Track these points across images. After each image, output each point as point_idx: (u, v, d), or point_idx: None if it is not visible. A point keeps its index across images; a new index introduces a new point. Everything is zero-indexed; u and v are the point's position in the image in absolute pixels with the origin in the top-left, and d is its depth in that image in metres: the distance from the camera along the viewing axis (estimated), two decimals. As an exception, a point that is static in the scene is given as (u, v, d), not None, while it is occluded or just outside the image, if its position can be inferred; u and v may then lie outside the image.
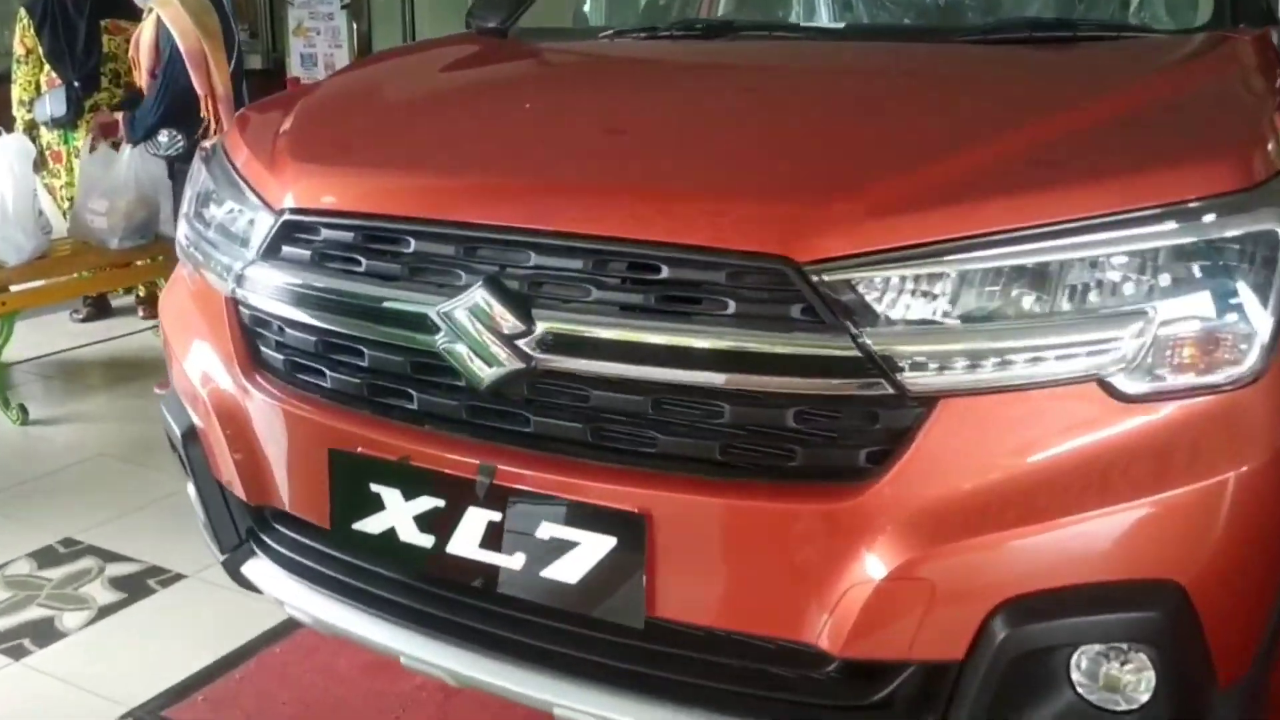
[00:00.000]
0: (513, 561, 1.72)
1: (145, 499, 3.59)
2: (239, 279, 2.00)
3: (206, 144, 2.39)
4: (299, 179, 1.94)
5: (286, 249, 1.94)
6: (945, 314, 1.52)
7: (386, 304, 1.80)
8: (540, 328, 1.65)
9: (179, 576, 3.12)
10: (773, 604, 1.61)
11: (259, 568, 2.13)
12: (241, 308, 2.04)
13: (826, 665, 1.64)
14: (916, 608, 1.54)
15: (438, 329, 1.74)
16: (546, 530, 1.69)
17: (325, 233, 1.88)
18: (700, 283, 1.59)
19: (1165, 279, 1.50)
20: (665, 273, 1.60)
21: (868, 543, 1.54)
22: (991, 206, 1.54)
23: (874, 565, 1.54)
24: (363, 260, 1.84)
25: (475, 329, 1.69)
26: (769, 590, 1.61)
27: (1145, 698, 1.57)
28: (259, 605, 2.43)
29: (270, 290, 1.95)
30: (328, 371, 1.91)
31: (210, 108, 4.76)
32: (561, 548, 1.68)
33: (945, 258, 1.52)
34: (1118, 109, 1.79)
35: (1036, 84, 2.06)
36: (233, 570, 2.18)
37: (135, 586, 3.08)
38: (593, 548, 1.66)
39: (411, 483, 1.80)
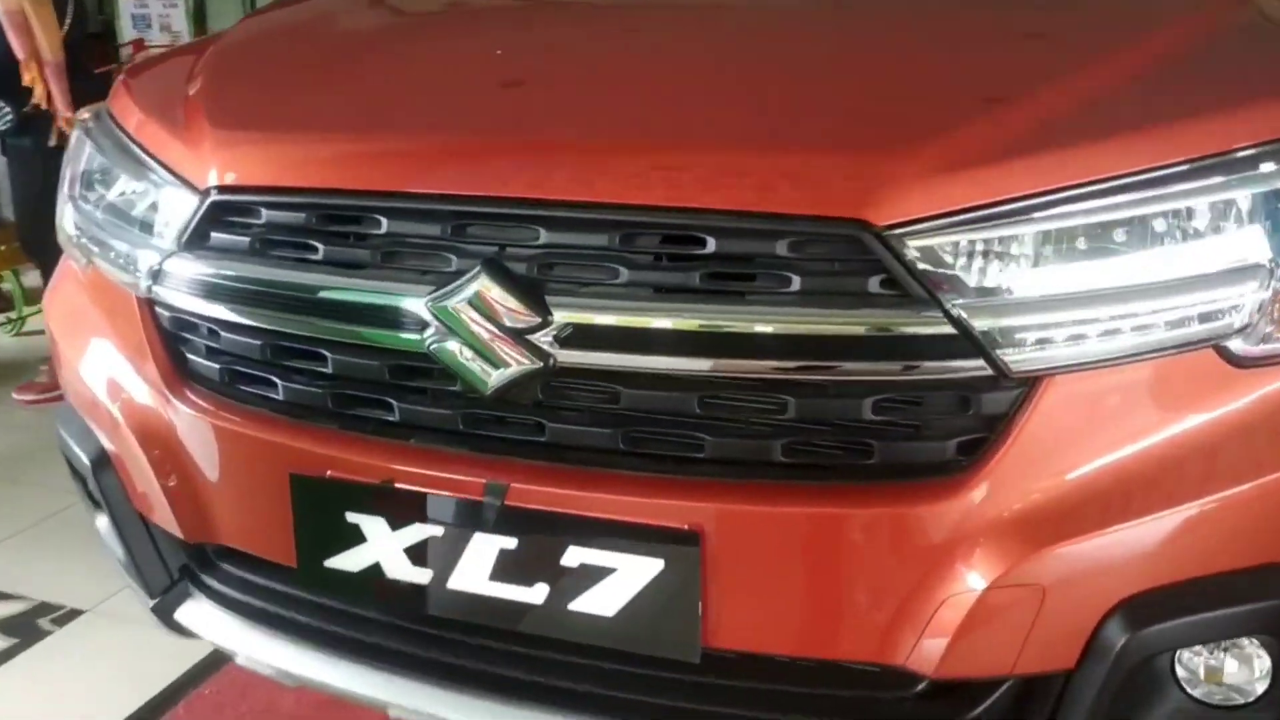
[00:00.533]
0: (533, 595, 1.46)
1: (21, 522, 3.15)
2: (155, 275, 1.66)
3: (84, 114, 2.01)
4: (227, 150, 1.60)
5: (216, 236, 1.61)
6: (1047, 279, 1.30)
7: (354, 298, 1.50)
8: (559, 318, 1.38)
9: (75, 613, 2.73)
10: (851, 624, 1.39)
11: (199, 612, 1.81)
12: (160, 309, 1.70)
13: (912, 687, 1.43)
14: (1025, 616, 1.34)
15: (424, 325, 1.45)
16: (575, 556, 1.43)
17: (268, 215, 1.56)
18: (756, 256, 1.34)
19: None
20: (712, 246, 1.34)
21: (967, 546, 1.33)
22: (1094, 152, 1.32)
23: (975, 572, 1.33)
24: (320, 246, 1.52)
25: (475, 324, 1.40)
26: (846, 609, 1.38)
27: (1262, 688, 1.41)
28: (176, 638, 2.09)
29: (198, 287, 1.62)
30: (280, 382, 1.60)
31: (37, 75, 4.25)
32: (594, 575, 1.42)
33: (1046, 213, 1.30)
34: (1204, 36, 1.59)
35: (1113, 14, 1.82)
36: (165, 615, 1.85)
37: (25, 629, 2.67)
38: (634, 573, 1.40)
39: (400, 509, 1.51)
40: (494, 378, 1.41)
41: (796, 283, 1.32)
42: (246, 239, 1.58)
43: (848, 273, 1.32)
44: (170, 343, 1.70)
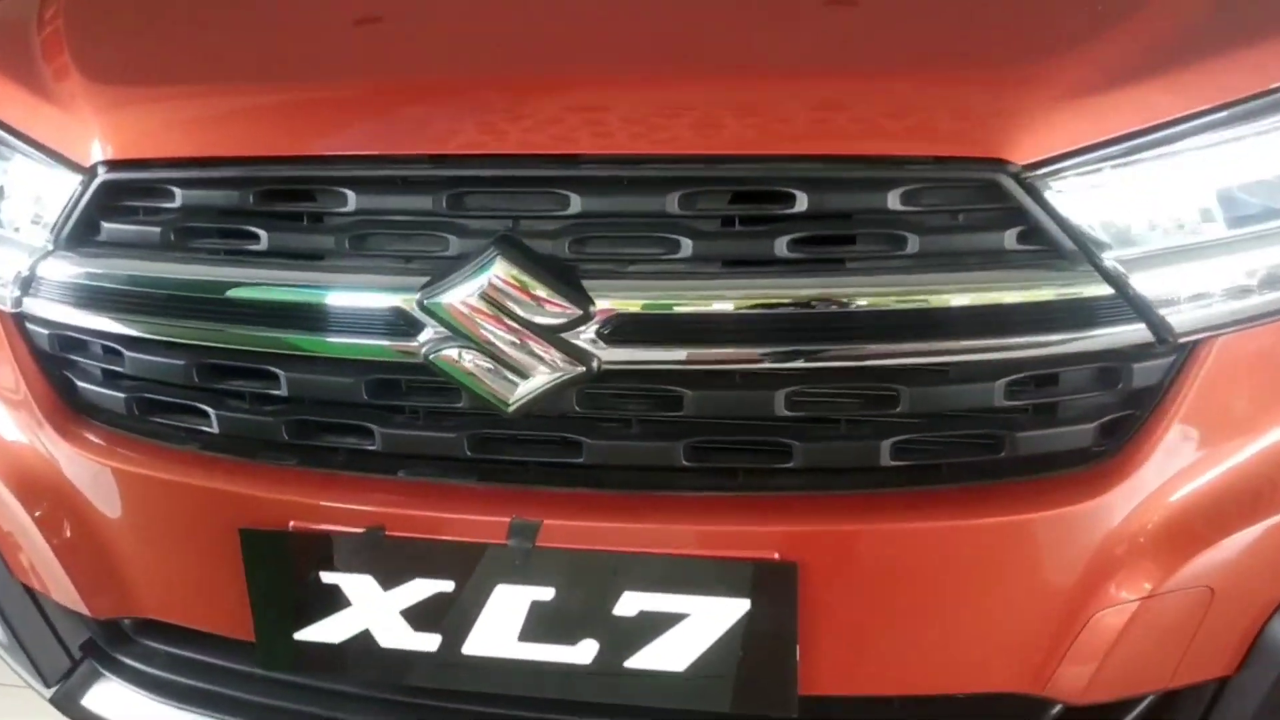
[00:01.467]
0: (578, 654, 1.16)
1: None
2: (25, 283, 1.26)
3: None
4: (117, 112, 1.21)
5: (110, 227, 1.23)
6: (1211, 222, 1.06)
7: (314, 298, 1.15)
8: (602, 307, 1.07)
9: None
10: (980, 653, 1.14)
11: (115, 698, 1.44)
12: (34, 326, 1.30)
13: (1046, 713, 1.20)
14: (1189, 623, 1.12)
15: (415, 328, 1.11)
16: (632, 603, 1.14)
17: (185, 195, 1.18)
18: (859, 213, 1.06)
19: None
20: (803, 203, 1.05)
21: (1122, 548, 1.09)
22: (1246, 64, 1.08)
23: (1134, 577, 1.10)
24: (262, 233, 1.16)
25: (489, 322, 1.08)
26: (974, 636, 1.14)
27: None
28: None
29: (88, 295, 1.24)
30: (213, 411, 1.23)
31: None
32: (658, 625, 1.14)
33: (1204, 138, 1.05)
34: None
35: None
36: (68, 705, 1.47)
37: None
38: (711, 618, 1.12)
39: (393, 562, 1.18)
40: (520, 390, 1.10)
41: (912, 243, 1.04)
42: (155, 228, 1.20)
43: (978, 226, 1.05)
44: (51, 368, 1.31)
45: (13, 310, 1.29)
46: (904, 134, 1.03)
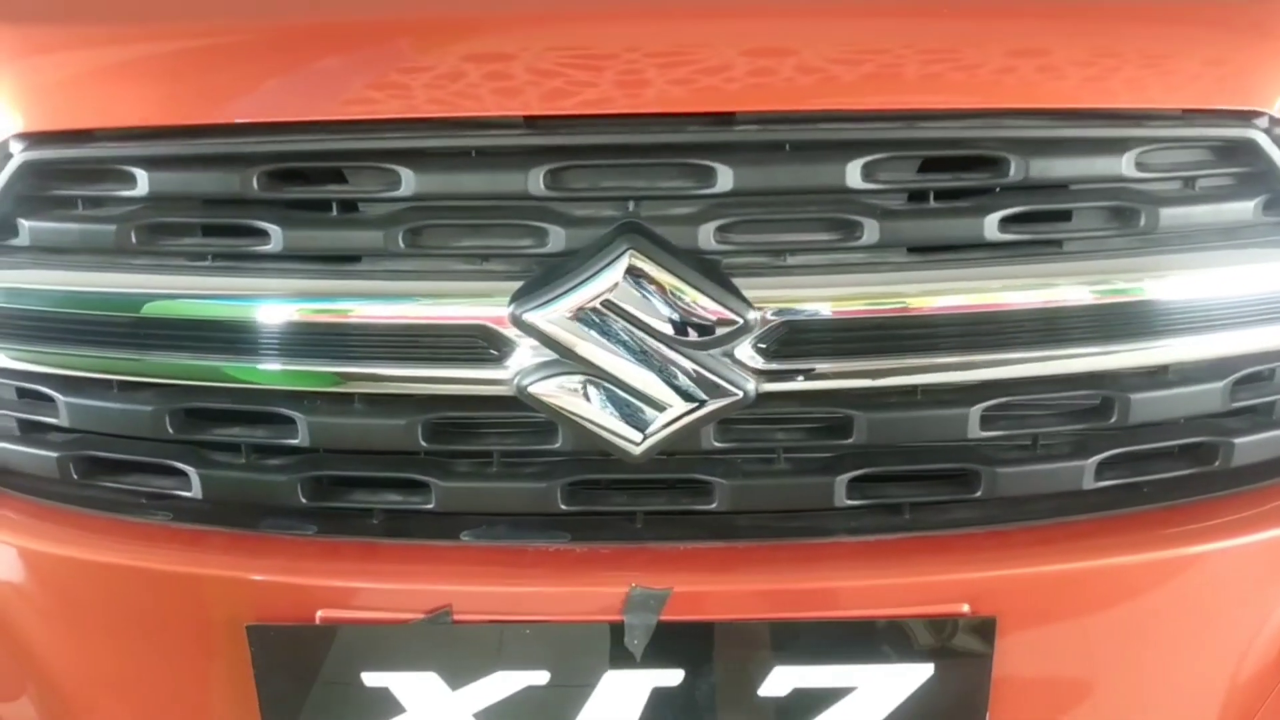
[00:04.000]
0: (713, 748, 0.92)
1: None
2: (-99, 308, 0.90)
3: None
4: (45, 61, 0.86)
5: (35, 225, 0.88)
6: None
7: (353, 314, 0.85)
8: (763, 313, 0.82)
9: None
10: (1182, 699, 0.96)
11: None
12: (-89, 367, 0.94)
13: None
14: None
15: (505, 350, 0.83)
16: (784, 680, 0.90)
17: (155, 179, 0.85)
18: (1080, 182, 0.84)
19: None
20: (1013, 170, 0.82)
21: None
22: None
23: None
24: (274, 228, 0.84)
25: (613, 340, 0.81)
26: (1175, 682, 0.96)
27: None
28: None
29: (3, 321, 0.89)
30: (195, 470, 0.91)
31: None
32: (816, 705, 0.91)
33: None
34: None
35: None
36: None
37: None
38: (884, 690, 0.90)
39: (464, 654, 0.90)
40: (654, 426, 0.83)
41: (1145, 218, 0.84)
42: (107, 226, 0.86)
43: (1219, 195, 0.86)
44: (-61, 423, 0.96)
45: (-118, 345, 0.92)
46: (1144, 84, 0.82)
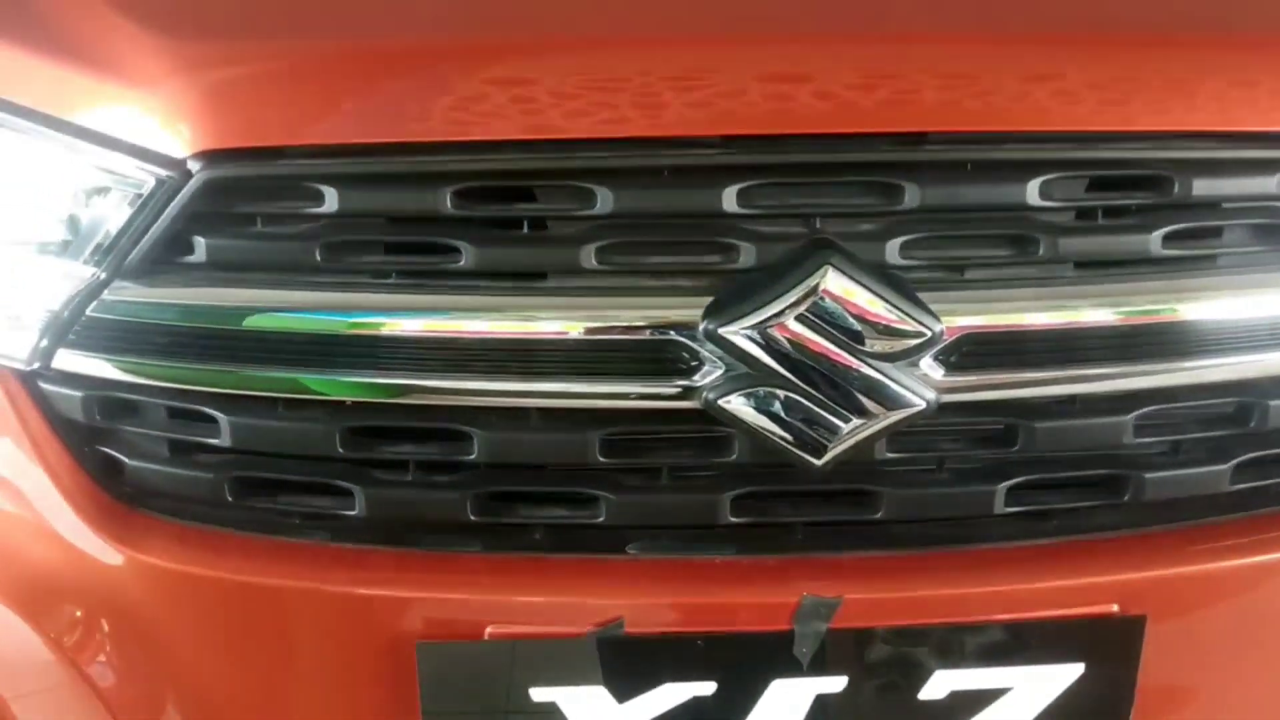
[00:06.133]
0: (875, 753, 0.94)
1: None
2: (60, 329, 0.88)
3: None
4: (230, 76, 0.85)
5: (214, 243, 0.87)
6: None
7: (541, 328, 0.85)
8: (950, 326, 0.85)
9: None
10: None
11: None
12: (54, 386, 0.92)
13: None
14: None
15: (694, 364, 0.85)
16: (943, 684, 0.93)
17: (345, 197, 0.84)
18: (1235, 200, 0.89)
19: None
20: (1177, 188, 0.87)
21: None
22: None
23: None
24: (466, 246, 0.85)
25: (810, 351, 0.83)
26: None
27: None
28: None
29: (167, 342, 0.88)
30: (359, 489, 0.91)
31: None
32: (972, 706, 0.94)
33: None
34: None
35: None
36: None
37: None
38: (1036, 690, 0.94)
39: (633, 667, 0.91)
40: (841, 434, 0.86)
41: (1290, 235, 0.89)
42: (292, 243, 0.86)
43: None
44: (83, 445, 0.93)
45: (30, 368, 0.90)
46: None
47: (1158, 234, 0.87)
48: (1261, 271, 0.90)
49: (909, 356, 0.85)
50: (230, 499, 0.93)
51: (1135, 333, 0.88)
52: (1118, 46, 0.87)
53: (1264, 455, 0.96)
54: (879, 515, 0.92)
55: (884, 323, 0.83)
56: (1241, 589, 0.95)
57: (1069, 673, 0.93)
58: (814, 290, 0.82)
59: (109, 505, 0.94)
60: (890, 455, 0.91)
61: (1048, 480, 0.93)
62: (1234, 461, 0.95)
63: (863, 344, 0.84)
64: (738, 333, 0.83)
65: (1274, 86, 0.87)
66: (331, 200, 0.85)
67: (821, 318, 0.83)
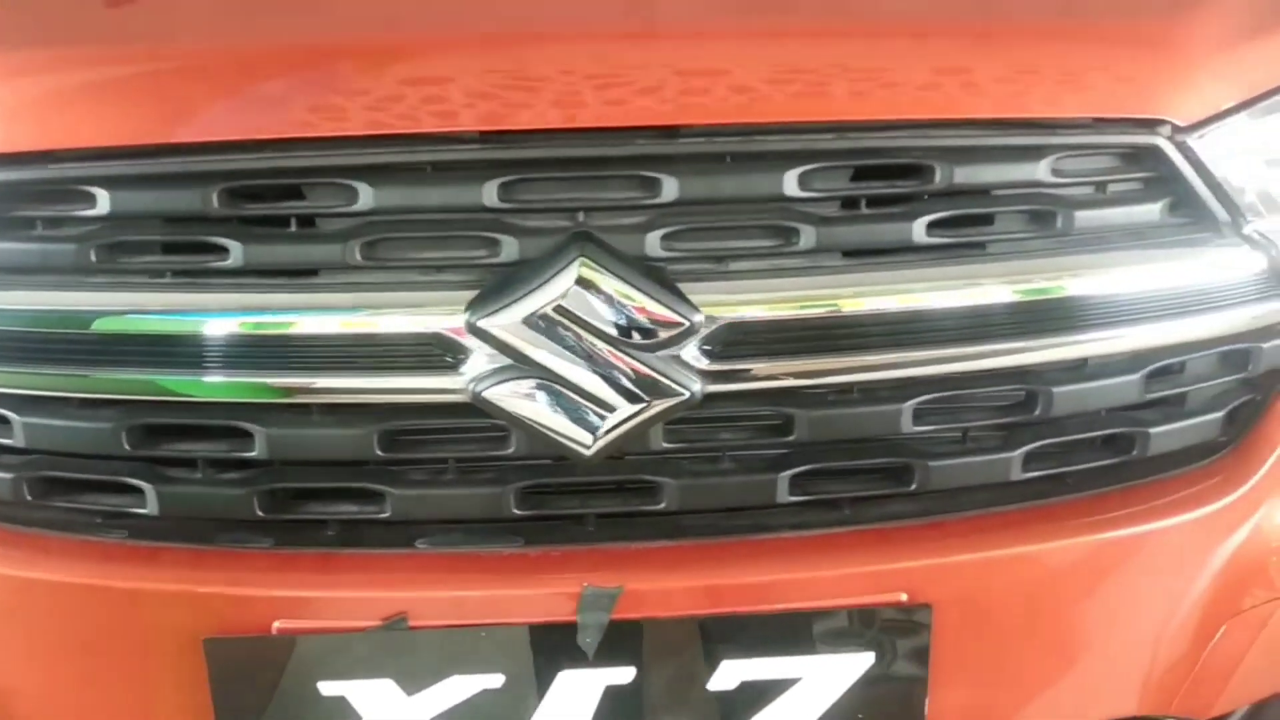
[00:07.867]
0: (665, 742, 0.95)
1: None
2: None
3: None
4: (9, 86, 0.87)
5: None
6: None
7: (311, 326, 0.87)
8: (709, 316, 0.86)
9: None
10: (1110, 678, 1.01)
11: None
12: None
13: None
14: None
15: (461, 357, 0.86)
16: (732, 674, 0.94)
17: (116, 198, 0.86)
18: (1002, 187, 0.90)
19: None
20: (939, 177, 0.88)
21: (1262, 544, 1.00)
22: None
23: (1267, 577, 1.01)
24: (234, 244, 0.86)
25: (567, 345, 0.85)
26: (1106, 660, 1.01)
27: None
28: None
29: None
30: (150, 486, 0.92)
31: None
32: (764, 695, 0.94)
33: None
34: None
35: None
36: None
37: None
38: (828, 680, 0.94)
39: (420, 661, 0.92)
40: (604, 427, 0.87)
41: (1059, 220, 0.90)
42: (68, 245, 0.87)
43: (1126, 199, 0.92)
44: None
45: None
46: (1058, 95, 0.88)
47: (921, 221, 0.88)
48: (1034, 258, 0.90)
49: (669, 347, 0.86)
50: (30, 498, 0.94)
51: (903, 320, 0.89)
52: (875, 37, 0.88)
53: (1056, 444, 0.96)
54: (662, 506, 0.93)
55: (639, 313, 0.84)
56: (1029, 576, 0.95)
57: (859, 662, 0.94)
58: (567, 283, 0.83)
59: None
60: (670, 446, 0.92)
61: (831, 469, 0.94)
62: (1022, 450, 0.95)
63: (623, 335, 0.85)
64: (498, 326, 0.85)
65: (1037, 74, 0.88)
66: (104, 202, 0.86)
67: (579, 309, 0.84)
